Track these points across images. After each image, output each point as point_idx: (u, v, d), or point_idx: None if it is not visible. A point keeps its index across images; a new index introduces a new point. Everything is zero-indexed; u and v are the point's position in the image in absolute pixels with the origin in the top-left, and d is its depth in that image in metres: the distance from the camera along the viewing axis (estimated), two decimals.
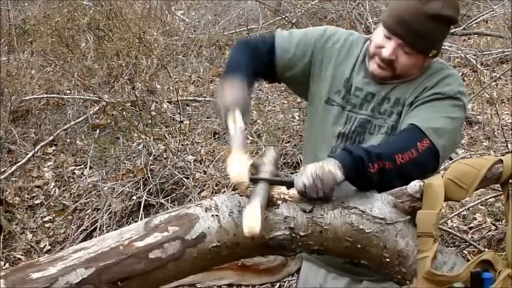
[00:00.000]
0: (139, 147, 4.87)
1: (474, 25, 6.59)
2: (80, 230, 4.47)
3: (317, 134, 2.07)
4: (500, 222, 3.57)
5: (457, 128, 1.93)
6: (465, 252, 3.39)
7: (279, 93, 5.47)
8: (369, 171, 1.74)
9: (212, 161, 4.57)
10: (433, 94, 1.92)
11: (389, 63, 1.93)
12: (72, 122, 5.57)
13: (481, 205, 3.71)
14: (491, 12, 6.37)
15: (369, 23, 5.59)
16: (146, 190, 4.42)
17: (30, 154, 5.21)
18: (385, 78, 1.97)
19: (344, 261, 1.83)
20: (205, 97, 5.64)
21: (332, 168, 1.70)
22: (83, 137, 5.44)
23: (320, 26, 6.40)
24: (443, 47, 6.11)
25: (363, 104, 2.00)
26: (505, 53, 5.61)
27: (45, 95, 5.93)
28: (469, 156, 3.99)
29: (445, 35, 2.00)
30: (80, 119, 5.60)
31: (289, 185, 1.75)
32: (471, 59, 5.40)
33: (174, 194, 4.40)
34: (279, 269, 1.97)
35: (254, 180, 1.71)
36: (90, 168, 5.01)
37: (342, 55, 2.05)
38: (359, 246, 1.73)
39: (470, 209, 3.69)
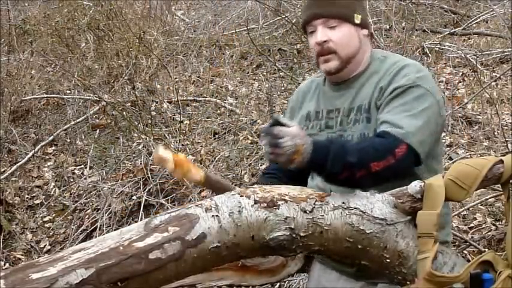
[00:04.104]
0: (140, 147, 4.87)
1: (474, 25, 6.59)
2: (80, 230, 4.47)
3: None
4: (500, 222, 3.57)
5: (431, 117, 1.88)
6: (465, 252, 3.39)
7: (279, 93, 5.47)
8: (337, 176, 1.77)
9: (212, 161, 4.57)
10: (393, 91, 1.90)
11: (328, 50, 1.96)
12: (72, 122, 5.57)
13: (481, 205, 3.71)
14: (491, 12, 6.37)
15: (369, 22, 5.59)
16: (146, 190, 4.42)
17: (30, 154, 5.22)
18: (338, 70, 1.98)
19: (357, 270, 1.85)
20: (205, 97, 5.64)
21: (304, 148, 1.71)
22: (83, 137, 5.45)
23: None
24: (443, 47, 6.11)
25: (334, 122, 2.02)
26: (505, 53, 5.61)
27: (45, 95, 5.94)
28: (469, 156, 3.99)
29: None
30: (80, 119, 5.60)
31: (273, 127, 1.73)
32: (471, 59, 5.39)
33: (174, 194, 4.40)
34: (279, 269, 1.97)
35: None
36: (90, 168, 5.01)
37: (298, 103, 2.14)
38: (359, 246, 1.73)
39: (470, 209, 3.69)
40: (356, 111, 1.97)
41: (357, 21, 1.98)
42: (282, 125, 1.74)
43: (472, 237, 3.51)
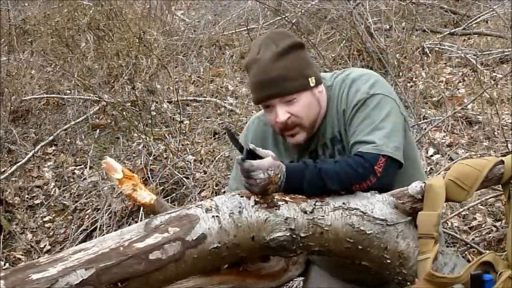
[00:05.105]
0: (139, 147, 4.86)
1: (474, 25, 6.58)
2: (80, 230, 4.47)
3: None
4: (501, 223, 3.57)
5: (396, 118, 1.86)
6: (465, 252, 3.39)
7: None
8: (318, 196, 1.77)
9: (212, 161, 4.56)
10: (352, 109, 1.87)
11: (292, 124, 1.88)
12: (72, 122, 5.57)
13: (481, 205, 3.70)
14: (491, 12, 6.36)
15: (369, 23, 5.59)
16: None
17: (30, 154, 5.21)
18: (307, 138, 1.93)
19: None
20: (205, 97, 5.64)
21: (279, 178, 1.73)
22: (83, 137, 5.44)
23: (319, 26, 6.35)
24: (443, 46, 6.11)
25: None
26: (505, 53, 5.61)
27: (45, 95, 5.93)
28: (469, 156, 3.98)
29: (304, 59, 1.90)
30: (80, 119, 5.59)
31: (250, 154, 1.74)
32: (471, 59, 5.39)
33: (174, 194, 4.39)
34: (280, 274, 1.96)
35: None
36: (90, 168, 5.01)
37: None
38: (360, 247, 1.73)
39: (470, 209, 3.69)
40: (331, 144, 1.94)
41: (312, 84, 1.87)
42: (257, 155, 1.73)
43: (473, 239, 3.51)
